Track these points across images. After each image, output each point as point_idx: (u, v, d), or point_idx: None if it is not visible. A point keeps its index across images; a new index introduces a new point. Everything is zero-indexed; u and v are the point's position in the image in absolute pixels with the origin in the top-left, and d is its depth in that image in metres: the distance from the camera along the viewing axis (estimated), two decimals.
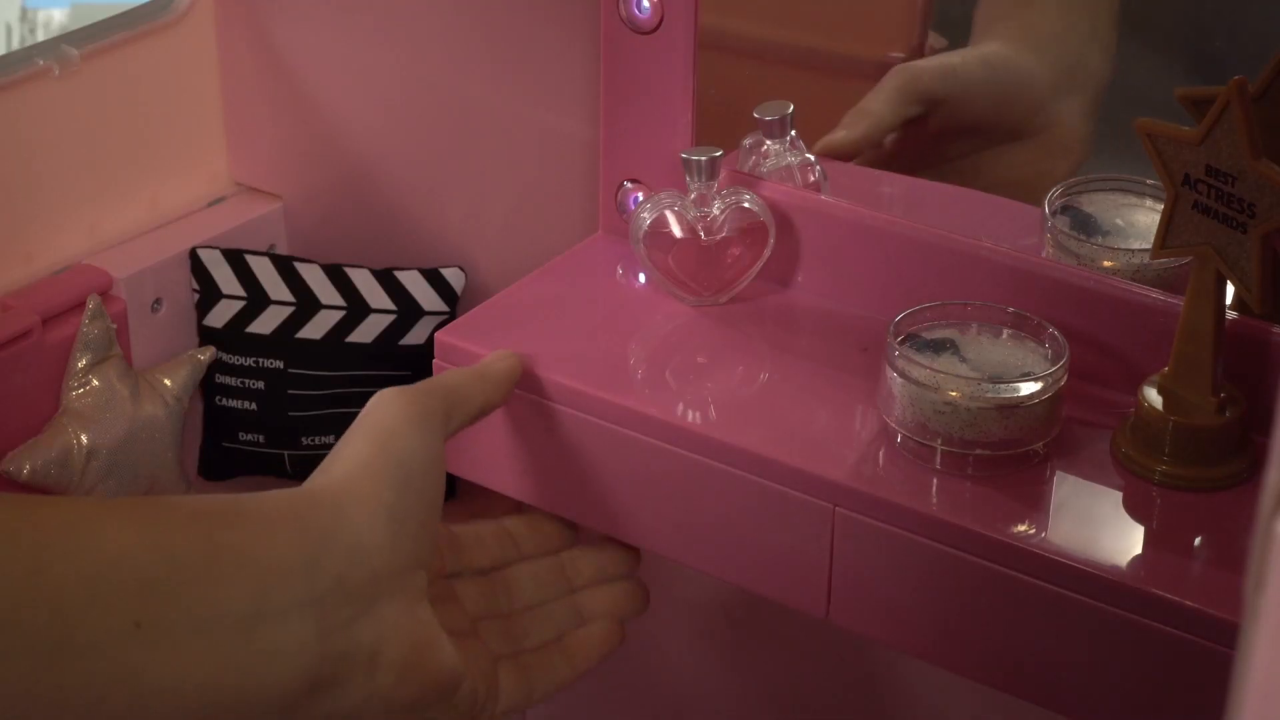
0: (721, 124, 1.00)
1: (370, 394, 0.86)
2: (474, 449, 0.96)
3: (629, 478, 0.91)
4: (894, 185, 1.01)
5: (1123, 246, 0.91)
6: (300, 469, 1.18)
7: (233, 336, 1.17)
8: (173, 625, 0.74)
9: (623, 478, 0.91)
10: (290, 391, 1.16)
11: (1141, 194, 0.93)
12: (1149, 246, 0.85)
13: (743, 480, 0.86)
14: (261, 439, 1.18)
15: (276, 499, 0.80)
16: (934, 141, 1.00)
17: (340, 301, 1.16)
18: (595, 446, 0.91)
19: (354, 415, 0.89)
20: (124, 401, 1.11)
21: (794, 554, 0.86)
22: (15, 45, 1.80)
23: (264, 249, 1.22)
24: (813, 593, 0.86)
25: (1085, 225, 0.93)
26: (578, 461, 0.92)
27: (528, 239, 1.13)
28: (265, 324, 1.17)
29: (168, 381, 1.13)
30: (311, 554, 0.78)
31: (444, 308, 1.14)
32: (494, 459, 0.96)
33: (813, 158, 0.99)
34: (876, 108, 1.00)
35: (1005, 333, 0.88)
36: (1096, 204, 0.94)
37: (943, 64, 1.00)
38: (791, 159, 0.98)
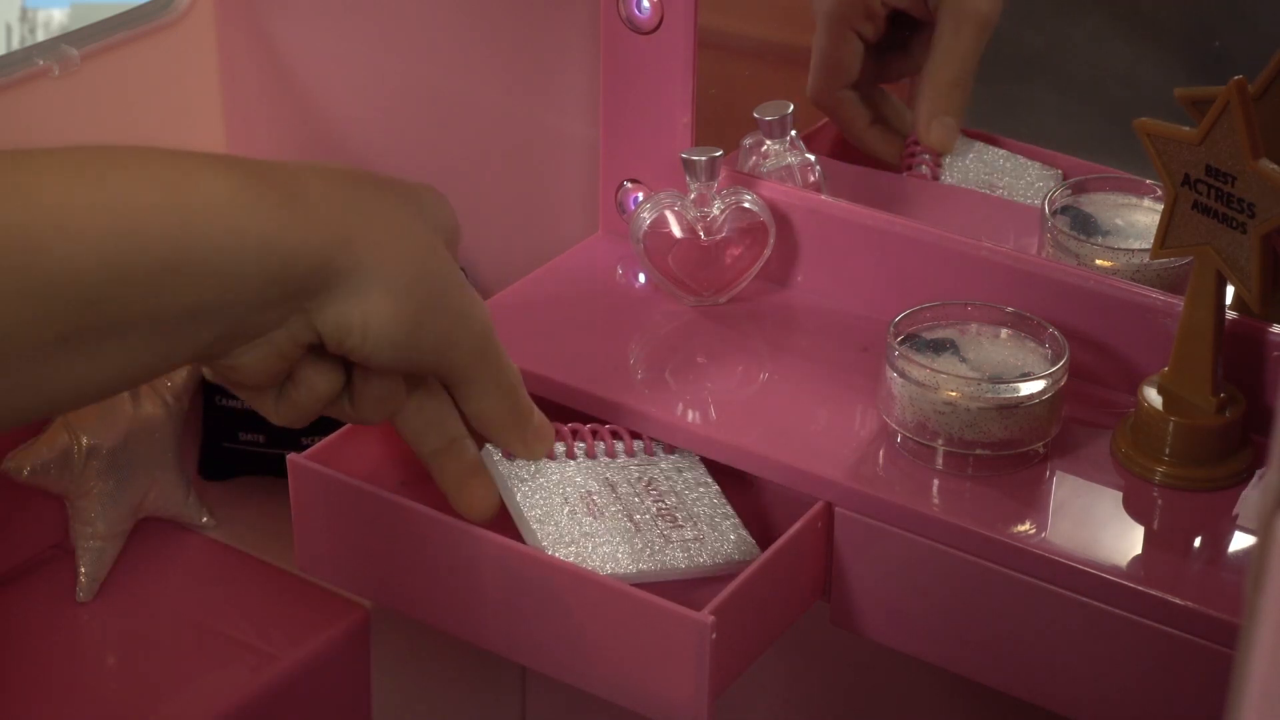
0: (721, 124, 1.00)
1: None
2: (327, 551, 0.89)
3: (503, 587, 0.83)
4: (893, 185, 1.01)
5: (1122, 246, 0.91)
6: None
7: None
8: None
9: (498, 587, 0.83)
10: None
11: (1141, 194, 0.93)
12: (1149, 246, 0.85)
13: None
14: (261, 439, 1.17)
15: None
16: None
17: None
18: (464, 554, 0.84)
19: None
20: (124, 401, 1.11)
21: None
22: (15, 45, 1.80)
23: None
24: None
25: (1085, 225, 0.93)
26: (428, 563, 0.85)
27: (528, 239, 1.13)
28: None
29: (168, 381, 1.13)
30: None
31: None
32: (349, 561, 0.89)
33: (813, 157, 0.99)
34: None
35: (1005, 333, 0.88)
36: (1096, 204, 0.94)
37: None
38: (791, 159, 0.98)
